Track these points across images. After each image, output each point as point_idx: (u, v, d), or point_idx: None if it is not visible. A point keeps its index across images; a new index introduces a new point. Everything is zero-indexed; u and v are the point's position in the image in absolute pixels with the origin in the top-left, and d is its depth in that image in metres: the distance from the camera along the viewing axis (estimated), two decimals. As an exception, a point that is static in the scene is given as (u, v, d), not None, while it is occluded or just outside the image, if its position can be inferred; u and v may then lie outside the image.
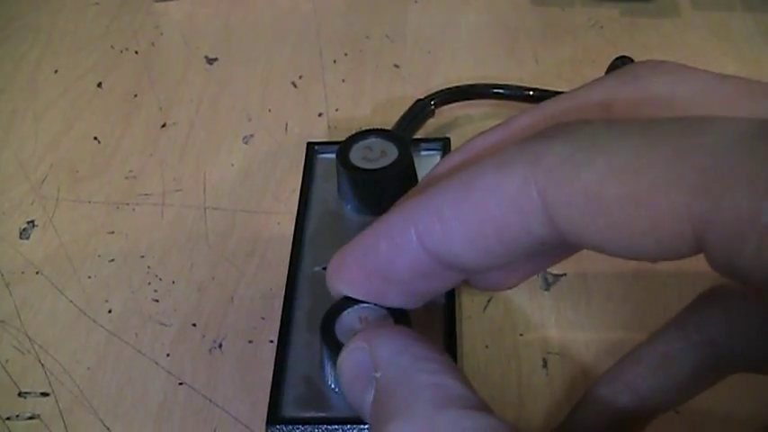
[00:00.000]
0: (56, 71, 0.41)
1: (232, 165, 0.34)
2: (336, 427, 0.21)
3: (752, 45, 0.38)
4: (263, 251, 0.30)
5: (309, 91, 0.38)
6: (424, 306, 0.20)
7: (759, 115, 0.17)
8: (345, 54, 0.40)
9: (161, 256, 0.30)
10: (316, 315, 0.22)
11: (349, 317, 0.20)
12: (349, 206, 0.28)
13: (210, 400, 0.25)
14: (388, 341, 0.17)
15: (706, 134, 0.14)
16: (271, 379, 0.23)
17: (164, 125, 0.37)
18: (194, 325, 0.28)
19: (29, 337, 0.28)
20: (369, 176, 0.26)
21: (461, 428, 0.15)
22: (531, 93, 0.34)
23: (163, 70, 0.40)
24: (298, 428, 0.21)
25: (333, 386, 0.22)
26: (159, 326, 0.28)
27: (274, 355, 0.23)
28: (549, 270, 0.28)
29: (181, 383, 0.26)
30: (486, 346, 0.26)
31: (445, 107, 0.34)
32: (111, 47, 0.42)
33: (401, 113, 0.33)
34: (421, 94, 0.34)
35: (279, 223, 0.31)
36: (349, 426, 0.21)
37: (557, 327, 0.27)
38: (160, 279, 0.29)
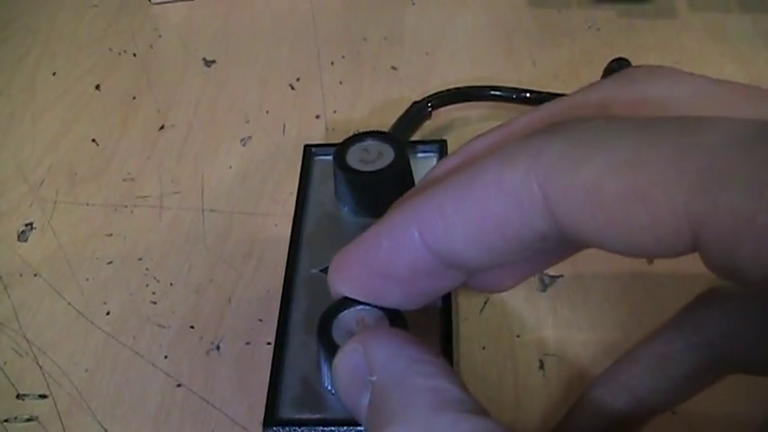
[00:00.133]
0: (54, 73, 0.41)
1: (230, 167, 0.34)
2: (333, 428, 0.21)
3: (749, 46, 0.38)
4: (260, 253, 0.30)
5: (307, 93, 0.38)
6: (421, 308, 0.20)
7: (757, 118, 0.17)
8: (343, 56, 0.40)
9: (159, 258, 0.30)
10: (313, 317, 0.22)
11: (346, 318, 0.20)
12: (346, 208, 0.28)
13: (208, 402, 0.25)
14: (384, 344, 0.17)
15: (705, 134, 0.14)
16: (268, 380, 0.23)
17: (162, 127, 0.37)
18: (192, 327, 0.28)
19: (27, 340, 0.28)
20: (365, 178, 0.26)
21: (463, 430, 0.15)
22: (528, 94, 0.34)
23: (161, 72, 0.40)
24: (294, 430, 0.21)
25: (329, 388, 0.22)
26: (157, 328, 0.28)
27: (271, 356, 0.23)
28: (545, 271, 0.28)
29: (179, 385, 0.26)
30: (483, 348, 0.26)
31: (442, 109, 0.34)
32: (110, 49, 0.42)
33: (399, 115, 0.33)
34: (418, 95, 0.34)
35: (276, 225, 0.31)
36: (345, 428, 0.21)
37: (553, 328, 0.27)
38: (158, 281, 0.29)
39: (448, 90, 0.34)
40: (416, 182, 0.27)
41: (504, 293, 0.27)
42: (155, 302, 0.29)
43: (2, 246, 0.32)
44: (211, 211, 0.32)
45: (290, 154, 0.34)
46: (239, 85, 0.39)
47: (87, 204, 0.33)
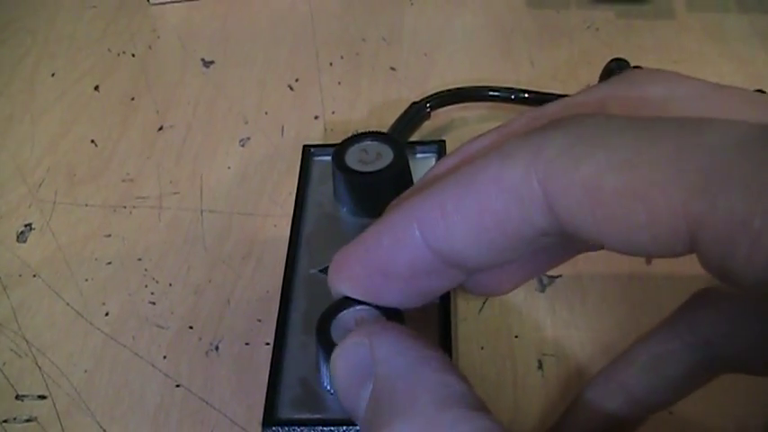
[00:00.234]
0: (53, 74, 0.41)
1: (229, 167, 0.34)
2: (332, 428, 0.21)
3: (747, 46, 0.38)
4: (259, 254, 0.30)
5: (306, 94, 0.38)
6: (420, 307, 0.20)
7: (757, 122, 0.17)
8: (342, 57, 0.40)
9: (158, 258, 0.30)
10: (312, 317, 0.22)
11: (345, 319, 0.20)
12: (345, 209, 0.28)
13: (207, 402, 0.25)
14: (391, 338, 0.17)
15: (705, 134, 0.14)
16: (267, 381, 0.23)
17: (160, 128, 0.37)
18: (191, 327, 0.28)
19: (26, 340, 0.28)
20: (364, 179, 0.26)
21: (462, 430, 0.15)
22: (527, 95, 0.34)
23: (160, 73, 0.40)
24: (294, 430, 0.21)
25: (328, 388, 0.22)
26: (156, 328, 0.28)
27: (270, 357, 0.23)
28: (544, 272, 0.28)
29: (178, 386, 0.26)
30: (482, 348, 0.26)
31: (441, 110, 0.34)
32: (108, 50, 0.42)
33: (397, 116, 0.33)
34: (417, 96, 0.34)
35: (275, 226, 0.31)
36: (344, 427, 0.21)
37: (552, 328, 0.27)
38: (157, 282, 0.29)
39: (447, 90, 0.34)
40: (415, 182, 0.27)
41: (503, 294, 0.27)
42: (154, 303, 0.29)
43: (1, 247, 0.32)
44: (210, 211, 0.32)
45: (289, 155, 0.34)
46: (238, 85, 0.39)
47: (86, 205, 0.33)
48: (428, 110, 0.33)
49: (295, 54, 0.41)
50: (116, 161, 0.35)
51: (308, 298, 0.25)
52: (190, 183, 0.34)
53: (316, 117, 0.36)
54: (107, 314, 0.29)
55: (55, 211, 0.33)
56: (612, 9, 0.41)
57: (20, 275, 0.30)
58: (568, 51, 0.39)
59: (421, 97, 0.34)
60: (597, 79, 0.34)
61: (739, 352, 0.19)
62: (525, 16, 0.41)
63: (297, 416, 0.22)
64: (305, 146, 0.30)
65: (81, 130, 0.37)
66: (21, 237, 0.32)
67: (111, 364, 0.27)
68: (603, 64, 0.34)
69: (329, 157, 0.28)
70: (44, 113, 0.38)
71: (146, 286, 0.29)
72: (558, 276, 0.28)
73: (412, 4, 0.43)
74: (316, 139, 0.35)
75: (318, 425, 0.21)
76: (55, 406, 0.26)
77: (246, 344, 0.27)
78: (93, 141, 0.36)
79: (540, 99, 0.33)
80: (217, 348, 0.27)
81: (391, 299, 0.19)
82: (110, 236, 0.32)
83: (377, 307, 0.20)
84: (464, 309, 0.27)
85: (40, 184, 0.34)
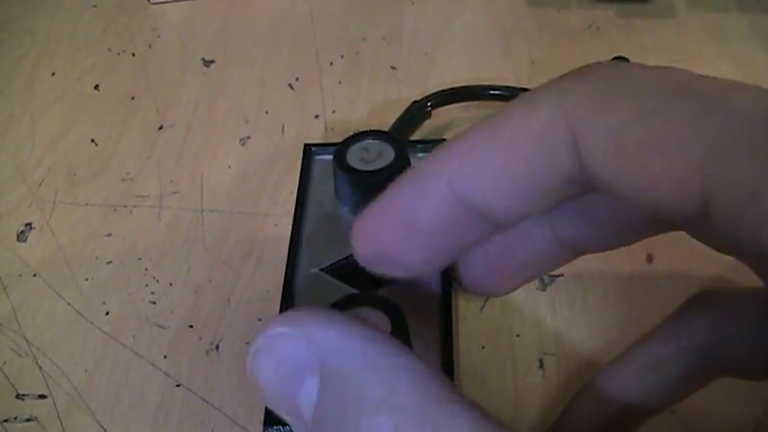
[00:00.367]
0: (53, 74, 0.41)
1: (229, 167, 0.34)
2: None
3: (747, 46, 0.38)
4: (259, 253, 0.30)
5: (306, 93, 0.38)
6: (421, 307, 0.20)
7: None
8: (342, 56, 0.40)
9: (158, 258, 0.30)
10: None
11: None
12: (346, 207, 0.28)
13: (207, 402, 0.25)
14: (328, 323, 0.15)
15: (732, 99, 0.14)
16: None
17: (161, 127, 0.37)
18: (191, 327, 0.28)
19: (26, 340, 0.28)
20: (365, 178, 0.26)
21: (453, 410, 0.14)
22: (528, 94, 0.34)
23: (160, 72, 0.40)
24: (295, 430, 0.21)
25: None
26: (156, 328, 0.28)
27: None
28: (545, 271, 0.28)
29: (178, 385, 0.26)
30: (483, 347, 0.26)
31: (442, 108, 0.34)
32: (109, 49, 0.42)
33: (398, 115, 0.33)
34: (417, 95, 0.34)
35: (276, 225, 0.31)
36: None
37: (553, 327, 0.27)
38: (157, 281, 0.29)
39: (448, 89, 0.34)
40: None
41: (503, 293, 0.27)
42: (154, 302, 0.29)
43: (1, 246, 0.32)
44: (210, 211, 0.32)
45: (290, 154, 0.34)
46: (238, 85, 0.39)
47: (86, 204, 0.33)
48: (429, 109, 0.33)
49: (295, 53, 0.41)
50: (116, 160, 0.35)
51: (310, 297, 0.25)
52: (190, 182, 0.34)
53: (316, 116, 0.36)
54: (107, 313, 0.29)
55: (55, 211, 0.33)
56: (613, 8, 0.41)
57: (20, 275, 0.30)
58: (569, 50, 0.39)
59: (421, 96, 0.34)
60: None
61: (736, 355, 0.19)
62: (525, 15, 0.42)
63: (280, 417, 0.22)
64: (306, 145, 0.30)
65: (81, 130, 0.37)
66: (21, 236, 0.32)
67: (112, 364, 0.27)
68: (604, 63, 0.34)
69: (330, 156, 0.28)
70: (44, 113, 0.38)
71: (146, 286, 0.29)
72: (559, 275, 0.28)
73: (412, 3, 0.43)
74: (316, 138, 0.35)
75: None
76: (55, 405, 0.26)
77: (247, 343, 0.27)
78: (93, 141, 0.36)
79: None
80: (217, 348, 0.27)
81: (413, 256, 0.18)
82: (110, 235, 0.32)
83: (380, 307, 0.20)
84: (465, 308, 0.27)
85: (41, 184, 0.34)
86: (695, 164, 0.13)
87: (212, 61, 0.41)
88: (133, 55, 0.42)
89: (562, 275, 0.28)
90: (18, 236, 0.32)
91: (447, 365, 0.23)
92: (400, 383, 0.14)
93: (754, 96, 0.14)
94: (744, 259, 0.14)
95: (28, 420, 0.25)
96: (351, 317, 0.16)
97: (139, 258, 0.30)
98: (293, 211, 0.28)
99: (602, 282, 0.28)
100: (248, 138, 0.35)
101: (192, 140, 0.36)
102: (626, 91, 0.15)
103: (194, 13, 0.44)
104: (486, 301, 0.28)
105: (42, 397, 0.26)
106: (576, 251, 0.21)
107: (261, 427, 0.22)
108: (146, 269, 0.30)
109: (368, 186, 0.27)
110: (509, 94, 0.34)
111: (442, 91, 0.34)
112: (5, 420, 0.25)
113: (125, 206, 0.33)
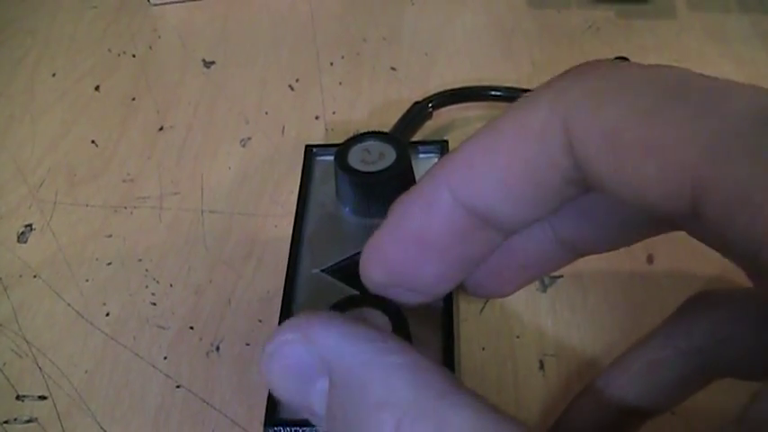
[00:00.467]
0: (53, 74, 0.41)
1: (229, 168, 0.34)
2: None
3: (748, 46, 0.38)
4: (260, 254, 0.30)
5: (306, 94, 0.38)
6: (422, 308, 0.20)
7: None
8: (342, 57, 0.40)
9: (158, 259, 0.30)
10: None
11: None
12: (347, 209, 0.28)
13: (208, 403, 0.25)
14: (331, 327, 0.16)
15: (725, 101, 0.14)
16: (268, 381, 0.23)
17: (161, 128, 0.37)
18: (192, 328, 0.28)
19: (27, 341, 0.28)
20: (366, 179, 0.26)
21: (452, 402, 0.14)
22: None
23: (160, 73, 0.40)
24: (295, 430, 0.21)
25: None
26: (157, 329, 0.28)
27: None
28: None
29: (178, 386, 0.26)
30: (483, 349, 0.26)
31: (443, 109, 0.34)
32: (109, 50, 0.42)
33: (398, 116, 0.33)
34: (418, 96, 0.34)
35: (276, 226, 0.31)
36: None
37: (553, 328, 0.27)
38: (158, 282, 0.29)
39: (449, 90, 0.34)
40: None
41: (504, 294, 0.27)
42: (154, 303, 0.29)
43: (1, 247, 0.32)
44: (211, 212, 0.32)
45: (290, 155, 0.34)
46: (239, 86, 0.39)
47: (87, 205, 0.33)
48: (430, 109, 0.33)
49: (296, 54, 0.41)
50: (116, 161, 0.35)
51: (310, 298, 0.25)
52: (190, 183, 0.34)
53: (316, 117, 0.36)
54: (108, 314, 0.28)
55: (55, 212, 0.33)
56: (613, 9, 0.41)
57: (20, 276, 0.30)
58: (569, 51, 0.39)
59: (422, 97, 0.34)
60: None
61: (735, 357, 0.18)
62: (526, 16, 0.41)
63: (298, 416, 0.22)
64: (307, 146, 0.30)
65: (81, 131, 0.37)
66: (21, 237, 0.32)
67: (112, 365, 0.27)
68: (604, 64, 0.34)
69: (331, 157, 0.28)
70: (44, 114, 0.38)
71: (146, 287, 0.29)
72: (559, 276, 0.28)
73: (413, 3, 0.43)
74: (316, 139, 0.35)
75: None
76: (55, 406, 0.26)
77: (247, 344, 0.27)
78: (93, 142, 0.36)
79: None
80: (218, 349, 0.27)
81: (429, 272, 0.18)
82: (110, 236, 0.31)
83: (381, 308, 0.20)
84: (465, 309, 0.27)
85: (41, 185, 0.34)
86: (688, 164, 0.13)
87: (213, 62, 0.41)
88: (134, 56, 0.42)
89: (562, 277, 0.28)
90: (18, 237, 0.32)
91: (448, 366, 0.23)
92: (400, 381, 0.14)
93: (750, 96, 0.14)
94: (735, 260, 0.14)
95: (28, 422, 0.25)
96: (351, 318, 0.16)
97: (140, 259, 0.30)
98: (294, 211, 0.28)
99: (602, 283, 0.28)
100: (249, 138, 0.35)
101: (192, 141, 0.36)
102: (622, 90, 0.15)
103: (195, 14, 0.44)
104: (486, 303, 0.28)
105: (42, 398, 0.26)
106: (576, 252, 0.21)
107: (261, 428, 0.22)
108: (146, 270, 0.30)
109: (369, 187, 0.27)
110: (510, 94, 0.34)
111: (443, 92, 0.34)
112: (5, 422, 0.25)
113: (125, 207, 0.33)
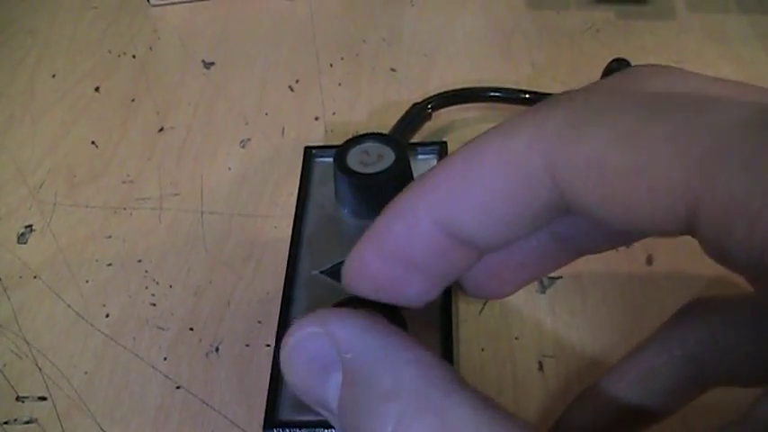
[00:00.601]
0: (53, 75, 0.41)
1: (229, 169, 0.34)
2: (333, 430, 0.21)
3: (747, 47, 0.38)
4: (259, 255, 0.30)
5: (306, 95, 0.38)
6: (420, 310, 0.20)
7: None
8: (342, 58, 0.40)
9: (158, 260, 0.30)
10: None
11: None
12: (346, 210, 0.28)
13: (207, 404, 0.25)
14: (349, 321, 0.17)
15: (709, 113, 0.13)
16: (268, 382, 0.23)
17: (161, 129, 0.37)
18: (191, 329, 0.28)
19: (27, 342, 0.28)
20: (365, 180, 0.26)
21: (455, 401, 0.14)
22: (528, 96, 0.34)
23: (160, 74, 0.40)
24: (295, 432, 0.21)
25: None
26: (156, 330, 0.28)
27: (271, 358, 0.23)
28: (544, 273, 0.28)
29: (178, 387, 0.26)
30: (482, 349, 0.26)
31: (442, 110, 0.34)
32: (109, 51, 0.42)
33: (398, 117, 0.33)
34: (418, 97, 0.34)
35: (276, 227, 0.31)
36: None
37: (552, 329, 0.27)
38: (157, 283, 0.29)
39: (448, 91, 0.34)
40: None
41: (503, 295, 0.27)
42: (154, 304, 0.29)
43: (1, 248, 0.32)
44: (210, 213, 0.32)
45: (290, 156, 0.34)
46: (238, 86, 0.39)
47: (87, 206, 0.33)
48: (429, 111, 0.33)
49: (295, 55, 0.41)
50: (116, 162, 0.35)
51: (310, 299, 0.25)
52: (190, 184, 0.34)
53: (316, 118, 0.36)
54: (107, 316, 0.29)
55: (55, 213, 0.33)
56: (612, 10, 0.41)
57: (20, 277, 0.30)
58: (569, 52, 0.39)
59: (421, 98, 0.34)
60: (598, 80, 0.34)
61: (732, 363, 0.18)
62: (525, 17, 0.42)
63: (298, 417, 0.22)
64: (306, 147, 0.30)
65: (81, 132, 0.37)
66: (21, 238, 0.32)
67: (112, 366, 0.27)
68: (604, 65, 0.34)
69: (330, 159, 0.28)
70: (44, 114, 0.38)
71: (146, 288, 0.29)
72: (558, 278, 0.28)
73: (412, 4, 0.43)
74: (316, 140, 0.35)
75: (319, 427, 0.21)
76: (55, 407, 0.26)
77: (247, 345, 0.27)
78: (93, 143, 0.36)
79: (540, 100, 0.33)
80: (217, 350, 0.27)
81: (413, 288, 0.19)
82: (110, 237, 0.32)
83: (379, 308, 0.20)
84: (464, 310, 0.27)
85: (41, 186, 0.34)
86: (678, 183, 0.13)
87: (212, 63, 0.41)
88: (133, 57, 0.42)
89: (561, 278, 0.28)
90: (18, 238, 0.32)
91: (447, 368, 0.23)
92: (407, 374, 0.15)
93: (729, 109, 0.13)
94: (734, 268, 0.14)
95: (28, 422, 0.25)
96: (369, 315, 0.17)
97: (139, 260, 0.30)
98: (293, 213, 0.28)
99: (601, 284, 0.28)
100: (248, 140, 0.36)
101: (192, 142, 0.36)
102: (602, 114, 0.15)
103: (194, 15, 0.44)
104: (485, 304, 0.28)
105: (42, 399, 0.26)
106: (575, 252, 0.21)
107: (260, 430, 0.22)
108: (146, 271, 0.30)
109: (368, 189, 0.27)
110: (509, 95, 0.34)
111: (443, 93, 0.34)
112: (5, 422, 0.26)
113: (125, 208, 0.33)
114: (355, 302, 0.20)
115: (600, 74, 0.34)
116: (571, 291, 0.28)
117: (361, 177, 0.27)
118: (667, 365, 0.19)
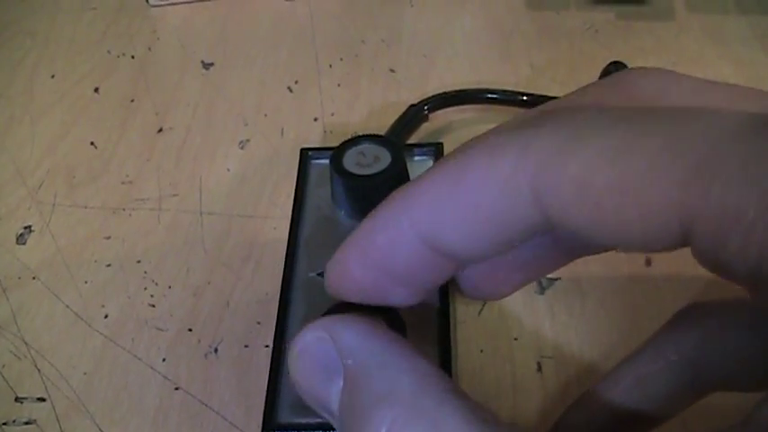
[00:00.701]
0: (53, 76, 0.41)
1: (228, 169, 0.34)
2: (331, 432, 0.21)
3: (747, 48, 0.38)
4: (258, 256, 0.30)
5: (305, 95, 0.38)
6: (418, 311, 0.20)
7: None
8: (341, 59, 0.40)
9: (157, 260, 0.30)
10: (311, 320, 0.22)
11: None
12: (343, 211, 0.28)
13: (206, 405, 0.26)
14: (353, 328, 0.17)
15: (697, 124, 0.13)
16: (266, 384, 0.23)
17: (160, 130, 0.37)
18: (190, 330, 0.28)
19: (25, 343, 0.28)
20: (362, 182, 0.26)
21: (447, 410, 0.15)
22: (525, 97, 0.34)
23: (159, 75, 0.40)
24: (293, 434, 0.21)
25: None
26: (155, 331, 0.28)
27: (270, 359, 0.23)
28: (543, 274, 0.28)
29: (177, 388, 0.26)
30: (481, 351, 0.26)
31: (439, 112, 0.34)
32: (108, 52, 0.42)
33: (397, 118, 0.33)
34: (416, 98, 0.34)
35: (275, 228, 0.31)
36: None
37: (551, 330, 0.27)
38: (156, 284, 0.30)
39: (445, 93, 0.34)
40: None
41: (501, 296, 0.27)
42: (153, 305, 0.29)
43: (0, 249, 0.32)
44: (209, 213, 0.32)
45: (289, 157, 0.34)
46: (237, 87, 0.39)
47: (86, 207, 0.33)
48: (426, 112, 0.33)
49: (294, 56, 0.41)
50: (115, 163, 0.35)
51: (307, 301, 0.25)
52: (189, 185, 0.34)
53: (315, 119, 0.36)
54: (106, 316, 0.29)
55: (54, 213, 0.33)
56: (612, 10, 0.41)
57: (19, 277, 0.30)
58: (568, 53, 0.39)
59: (420, 99, 0.34)
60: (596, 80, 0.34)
61: (726, 369, 0.18)
62: (524, 18, 0.42)
63: (296, 420, 0.22)
64: (302, 149, 0.30)
65: (80, 132, 0.37)
66: (20, 239, 0.32)
67: (111, 367, 0.27)
68: (603, 65, 0.34)
69: (327, 161, 0.28)
70: (44, 115, 0.38)
71: (145, 288, 0.29)
72: (557, 279, 0.28)
73: (412, 5, 0.43)
74: (315, 140, 0.35)
75: (318, 429, 0.21)
76: (54, 408, 0.26)
77: (246, 346, 0.27)
78: (92, 143, 0.36)
79: (537, 101, 0.33)
80: (216, 351, 0.27)
81: (395, 296, 0.19)
82: (109, 238, 0.32)
83: (376, 310, 0.20)
84: (463, 311, 0.27)
85: (40, 186, 0.34)
86: (669, 197, 0.13)
87: (211, 64, 0.41)
88: (133, 57, 0.42)
89: (560, 279, 0.28)
90: (17, 238, 0.32)
91: (445, 369, 0.23)
92: (402, 381, 0.15)
93: (717, 119, 0.13)
94: (730, 278, 0.14)
95: (27, 423, 0.26)
96: (370, 321, 0.17)
97: (138, 261, 0.30)
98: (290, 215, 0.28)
99: (600, 285, 0.28)
100: (247, 140, 0.36)
101: (191, 143, 0.36)
102: (585, 136, 0.14)
103: (194, 16, 0.44)
104: (484, 305, 0.28)
105: (41, 400, 0.26)
106: (573, 252, 0.21)
107: (259, 431, 0.22)
108: (145, 272, 0.30)
109: (364, 190, 0.27)
110: (505, 97, 0.34)
111: (439, 94, 0.34)
112: (4, 423, 0.26)
113: (124, 209, 0.33)
114: (351, 306, 0.20)
115: (599, 75, 0.34)
116: (570, 292, 0.28)
117: (358, 179, 0.27)
118: (663, 371, 0.19)
